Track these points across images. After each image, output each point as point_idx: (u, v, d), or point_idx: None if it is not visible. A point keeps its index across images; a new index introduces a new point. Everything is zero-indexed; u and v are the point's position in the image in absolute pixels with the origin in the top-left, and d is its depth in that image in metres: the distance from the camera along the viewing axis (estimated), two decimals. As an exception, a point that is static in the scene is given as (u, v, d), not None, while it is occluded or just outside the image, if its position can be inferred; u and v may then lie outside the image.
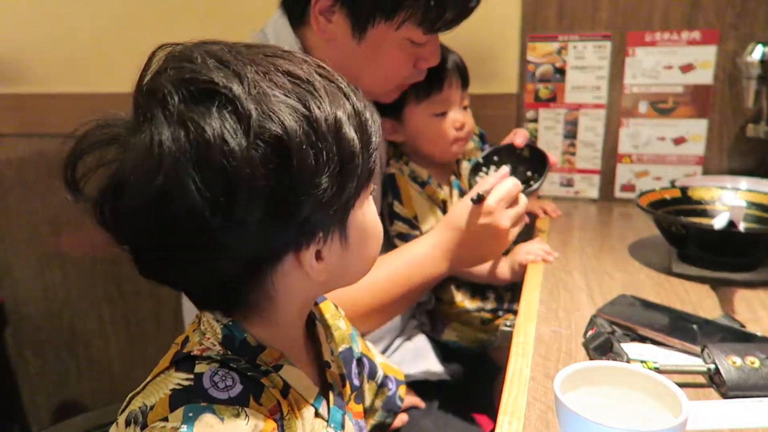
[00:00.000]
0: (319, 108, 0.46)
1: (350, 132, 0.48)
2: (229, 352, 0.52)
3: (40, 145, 1.70)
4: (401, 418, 0.95)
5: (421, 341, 1.15)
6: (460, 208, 0.87)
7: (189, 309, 0.95)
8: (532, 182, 1.02)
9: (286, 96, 0.46)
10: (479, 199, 0.84)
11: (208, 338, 0.52)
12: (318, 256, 0.51)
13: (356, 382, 0.70)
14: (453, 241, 0.86)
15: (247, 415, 0.47)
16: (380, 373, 0.78)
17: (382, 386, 0.78)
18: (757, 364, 0.63)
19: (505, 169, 0.90)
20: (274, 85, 0.46)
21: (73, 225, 1.76)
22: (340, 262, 0.53)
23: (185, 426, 0.44)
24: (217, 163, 0.43)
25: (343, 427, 0.61)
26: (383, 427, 0.81)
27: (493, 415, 1.13)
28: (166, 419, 0.45)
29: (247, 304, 0.53)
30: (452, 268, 0.88)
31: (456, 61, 1.10)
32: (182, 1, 1.48)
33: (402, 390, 0.82)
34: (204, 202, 0.43)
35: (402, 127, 1.10)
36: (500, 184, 0.86)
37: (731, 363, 0.63)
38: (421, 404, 1.00)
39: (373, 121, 0.51)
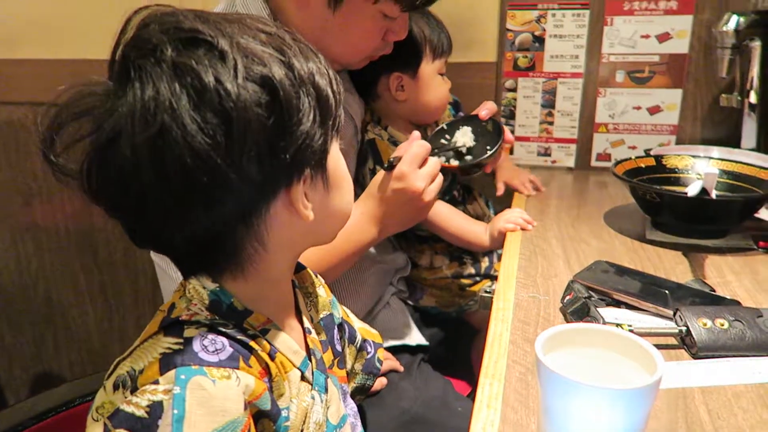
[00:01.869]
0: (294, 57, 0.50)
1: (323, 81, 0.52)
2: (216, 317, 0.52)
3: (8, 112, 1.65)
4: (381, 382, 0.97)
5: (399, 308, 1.17)
6: (377, 177, 0.91)
7: (166, 286, 0.94)
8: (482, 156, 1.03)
9: (264, 46, 0.49)
10: (390, 167, 0.87)
11: (195, 304, 0.53)
12: (305, 197, 0.53)
13: (338, 347, 0.71)
14: (376, 208, 0.90)
15: (237, 377, 0.48)
16: (359, 338, 0.79)
17: (361, 350, 0.80)
18: (726, 325, 0.66)
19: (416, 133, 0.92)
20: (250, 38, 0.49)
21: (45, 195, 1.73)
22: (323, 206, 0.56)
23: (178, 387, 0.45)
24: (215, 105, 0.45)
25: (326, 390, 0.62)
26: (364, 389, 0.83)
27: (470, 378, 1.17)
28: (157, 382, 0.45)
29: (240, 257, 0.53)
30: (381, 233, 0.91)
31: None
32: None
33: (381, 353, 0.84)
34: (205, 140, 0.44)
35: (413, 82, 1.10)
36: (410, 149, 0.88)
37: (702, 325, 0.66)
38: (400, 368, 1.02)
39: (336, 78, 0.55)
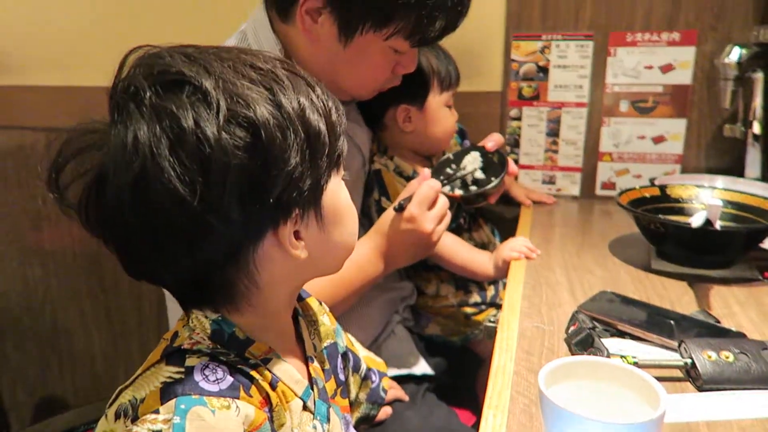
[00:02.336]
0: (283, 94, 0.49)
1: (314, 116, 0.51)
2: (218, 346, 0.53)
3: (20, 137, 1.68)
4: (385, 411, 0.96)
5: (405, 336, 1.16)
6: (386, 215, 0.93)
7: (173, 308, 0.95)
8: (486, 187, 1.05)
9: (252, 84, 0.49)
10: (401, 208, 0.90)
11: (198, 333, 0.53)
12: (297, 235, 0.53)
13: (341, 376, 0.71)
14: (384, 245, 0.93)
15: (237, 407, 0.48)
16: (363, 367, 0.79)
17: (365, 379, 0.80)
18: (731, 358, 0.65)
19: (426, 171, 0.95)
20: (240, 76, 0.49)
21: (53, 219, 1.74)
22: (318, 242, 0.55)
23: (177, 417, 0.45)
24: (192, 148, 0.45)
25: (328, 420, 0.62)
26: (368, 418, 0.83)
27: (475, 407, 1.16)
28: (157, 411, 0.46)
29: (235, 294, 0.54)
30: (389, 267, 0.95)
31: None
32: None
33: (385, 382, 0.84)
34: (183, 185, 0.45)
35: (420, 114, 1.12)
36: (419, 190, 0.91)
37: (707, 357, 0.66)
38: (405, 397, 1.02)
39: (337, 109, 0.55)
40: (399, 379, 1.06)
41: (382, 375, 0.84)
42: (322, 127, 0.52)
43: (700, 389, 0.65)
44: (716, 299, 0.87)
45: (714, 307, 0.84)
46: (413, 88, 1.09)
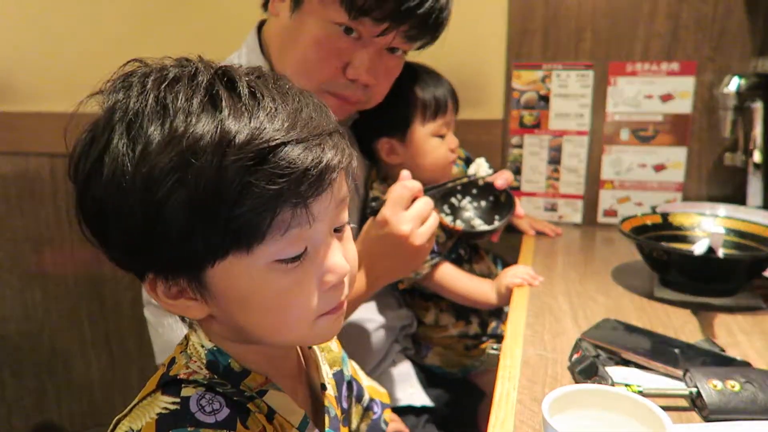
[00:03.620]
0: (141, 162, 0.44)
1: (231, 169, 0.43)
2: (215, 377, 0.52)
3: (25, 163, 1.69)
4: (386, 444, 0.95)
5: (404, 366, 1.15)
6: (363, 227, 0.86)
7: (155, 341, 0.94)
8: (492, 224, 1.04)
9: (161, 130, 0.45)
10: (373, 212, 0.84)
11: (195, 361, 0.53)
12: (179, 295, 0.50)
13: (345, 405, 0.70)
14: (361, 259, 0.84)
15: None
16: (366, 396, 0.78)
17: (367, 409, 0.79)
18: (737, 387, 0.65)
19: (405, 173, 0.87)
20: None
21: (55, 244, 1.75)
22: (219, 312, 0.51)
23: None
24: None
25: (336, 450, 0.61)
26: (368, 450, 0.81)
27: (477, 440, 1.14)
28: None
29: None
30: (372, 284, 0.86)
31: (451, 87, 1.13)
32: (172, 22, 1.50)
33: (387, 414, 0.82)
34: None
35: (403, 146, 1.10)
36: (392, 191, 0.83)
37: (712, 387, 0.65)
38: (405, 430, 1.00)
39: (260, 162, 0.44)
40: (398, 410, 1.04)
41: (384, 406, 0.82)
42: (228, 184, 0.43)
43: (706, 419, 0.64)
44: (720, 328, 0.86)
45: (718, 336, 0.84)
46: (393, 120, 1.06)
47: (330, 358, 0.69)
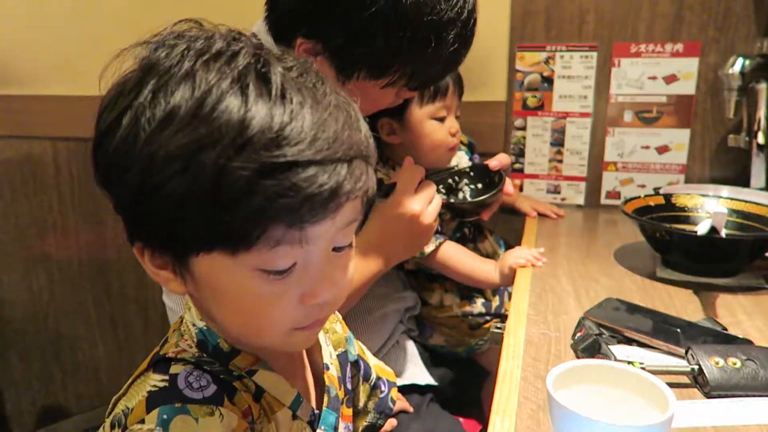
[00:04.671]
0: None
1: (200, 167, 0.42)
2: (204, 355, 0.53)
3: (28, 147, 1.69)
4: (390, 422, 0.96)
5: (409, 347, 1.16)
6: (376, 205, 0.90)
7: (172, 310, 0.95)
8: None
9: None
10: (386, 194, 0.89)
11: (186, 340, 0.54)
12: (163, 266, 0.50)
13: (349, 385, 0.71)
14: (377, 237, 0.89)
15: (221, 414, 0.49)
16: (373, 375, 0.79)
17: (374, 388, 0.80)
18: (738, 364, 0.65)
19: (409, 158, 0.93)
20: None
21: (59, 227, 1.75)
22: (197, 295, 0.52)
23: (160, 428, 0.45)
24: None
25: (335, 429, 0.62)
26: (374, 428, 0.82)
27: (480, 417, 1.15)
28: (143, 421, 0.46)
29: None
30: (388, 262, 0.91)
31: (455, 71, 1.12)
32: (173, 6, 1.49)
33: (394, 392, 0.84)
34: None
35: (402, 128, 1.10)
36: (402, 174, 0.89)
37: (714, 363, 0.65)
38: (410, 408, 1.01)
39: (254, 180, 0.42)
40: (403, 390, 1.05)
41: (391, 385, 0.83)
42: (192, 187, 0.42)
43: (708, 395, 0.65)
44: (722, 307, 0.87)
45: (720, 315, 0.84)
46: None
47: (334, 340, 0.70)
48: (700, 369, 0.66)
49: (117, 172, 0.45)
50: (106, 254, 1.74)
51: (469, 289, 1.18)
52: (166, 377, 0.50)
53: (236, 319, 0.51)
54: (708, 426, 0.60)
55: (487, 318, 1.19)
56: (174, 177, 0.42)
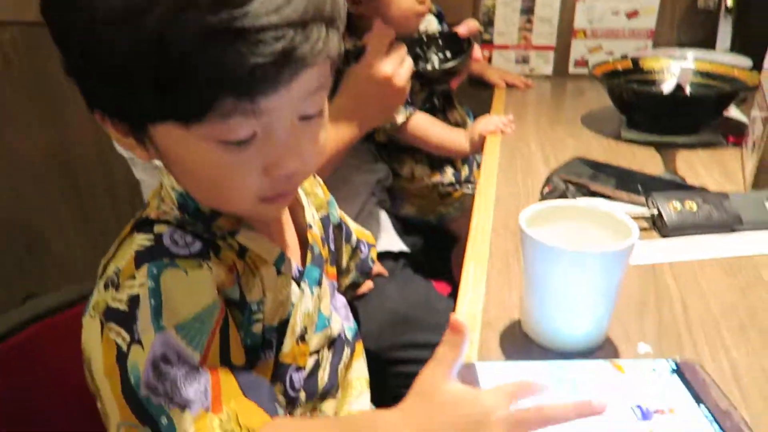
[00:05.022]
0: None
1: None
2: (186, 216, 0.54)
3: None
4: (367, 284, 1.01)
5: (381, 216, 1.19)
6: (347, 73, 0.87)
7: (146, 182, 0.95)
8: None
9: None
10: (356, 56, 0.86)
11: (167, 203, 0.54)
12: (127, 133, 0.48)
13: (332, 246, 0.73)
14: (350, 102, 0.87)
15: (209, 266, 0.50)
16: (354, 237, 0.82)
17: (355, 249, 0.83)
18: (695, 207, 0.69)
19: (379, 21, 0.89)
20: None
21: (17, 123, 1.68)
22: (162, 162, 0.51)
23: (151, 281, 0.47)
24: None
25: (319, 284, 0.65)
26: (355, 286, 0.87)
27: (450, 280, 1.22)
28: (133, 277, 0.48)
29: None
30: (362, 127, 0.90)
31: None
32: None
33: (373, 252, 0.87)
34: None
35: None
36: (372, 36, 0.85)
37: (672, 208, 0.69)
38: (385, 272, 1.06)
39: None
40: (377, 257, 1.10)
41: (370, 246, 0.87)
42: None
43: (666, 236, 0.69)
44: (682, 162, 0.91)
45: (680, 170, 0.88)
46: None
47: (316, 203, 0.71)
48: (660, 213, 0.69)
49: (65, 21, 0.43)
50: (69, 152, 1.69)
51: (439, 160, 1.19)
52: (151, 236, 0.50)
53: (201, 189, 0.51)
54: (665, 262, 0.65)
55: (457, 187, 1.22)
56: (114, 42, 0.40)
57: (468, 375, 0.47)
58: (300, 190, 0.67)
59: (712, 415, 0.43)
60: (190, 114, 0.43)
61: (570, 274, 0.48)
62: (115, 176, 1.69)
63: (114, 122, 0.48)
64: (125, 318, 0.47)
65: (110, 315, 0.48)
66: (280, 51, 0.40)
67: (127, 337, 0.47)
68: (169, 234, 0.50)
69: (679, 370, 0.47)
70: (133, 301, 0.47)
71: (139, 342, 0.46)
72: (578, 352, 0.51)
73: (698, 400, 0.44)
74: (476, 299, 0.59)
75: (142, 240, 0.50)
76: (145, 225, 0.52)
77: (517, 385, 0.41)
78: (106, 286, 0.50)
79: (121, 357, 0.47)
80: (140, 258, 0.49)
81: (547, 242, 0.48)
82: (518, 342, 0.53)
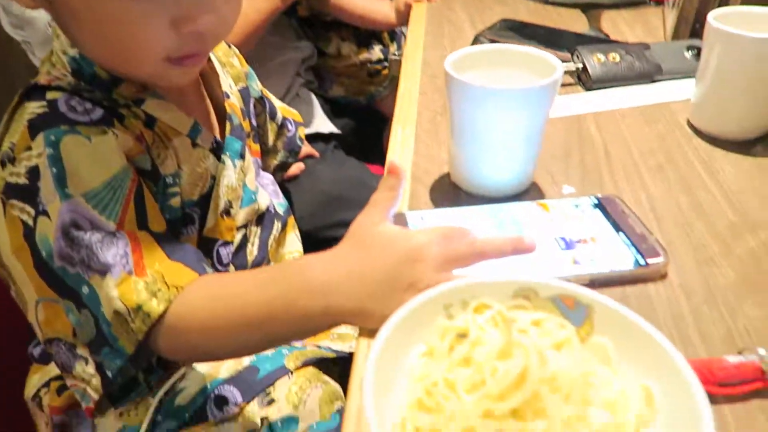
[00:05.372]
0: None
1: None
2: (81, 83, 0.48)
3: None
4: (298, 166, 0.99)
5: (310, 98, 1.15)
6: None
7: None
8: None
9: None
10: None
11: (59, 69, 0.49)
12: None
13: (254, 122, 0.70)
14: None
15: (114, 133, 0.46)
16: (279, 115, 0.78)
17: (282, 127, 0.79)
18: (617, 58, 0.70)
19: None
20: None
21: None
22: (55, 13, 0.47)
23: (49, 149, 0.43)
24: None
25: (242, 157, 0.62)
26: (284, 167, 0.84)
27: (383, 162, 1.21)
28: (29, 148, 0.44)
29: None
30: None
31: None
32: None
33: (301, 131, 0.84)
34: None
35: None
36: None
37: (596, 60, 0.69)
38: (316, 153, 1.04)
39: None
40: (307, 139, 1.07)
41: (298, 125, 0.83)
42: None
43: (590, 90, 0.70)
44: (607, 21, 0.90)
45: (605, 28, 0.88)
46: None
47: (233, 74, 0.67)
48: (584, 66, 0.69)
49: None
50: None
51: (366, 35, 1.15)
52: (44, 102, 0.45)
53: (101, 46, 0.46)
54: (588, 113, 0.65)
55: (385, 64, 1.18)
56: None
57: (398, 224, 0.47)
58: (214, 59, 0.62)
59: (630, 240, 0.45)
60: None
61: (495, 114, 0.47)
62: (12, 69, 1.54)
63: None
64: (26, 191, 0.43)
65: (10, 191, 0.44)
66: None
67: (32, 211, 0.43)
68: (64, 100, 0.46)
69: (600, 204, 0.49)
70: (33, 172, 0.43)
71: (45, 212, 0.43)
72: (505, 196, 0.52)
73: (617, 228, 0.46)
74: (405, 157, 0.59)
75: (34, 108, 0.45)
76: (35, 92, 0.47)
77: (450, 227, 0.41)
78: (2, 164, 0.46)
79: (29, 232, 0.44)
80: (34, 127, 0.44)
81: (472, 82, 0.46)
82: (448, 192, 0.53)
